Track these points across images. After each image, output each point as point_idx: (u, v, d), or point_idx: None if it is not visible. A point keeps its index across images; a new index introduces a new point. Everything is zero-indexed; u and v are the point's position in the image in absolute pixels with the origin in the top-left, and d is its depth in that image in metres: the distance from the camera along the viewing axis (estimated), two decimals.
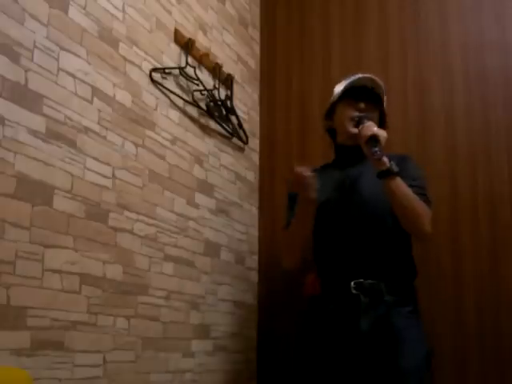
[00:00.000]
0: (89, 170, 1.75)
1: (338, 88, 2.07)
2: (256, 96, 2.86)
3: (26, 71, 1.56)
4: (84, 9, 1.79)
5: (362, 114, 1.96)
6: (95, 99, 1.80)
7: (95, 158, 1.78)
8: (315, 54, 2.81)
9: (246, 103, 2.74)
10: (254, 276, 2.68)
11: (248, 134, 2.67)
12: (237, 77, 2.65)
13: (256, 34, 2.92)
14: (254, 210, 2.73)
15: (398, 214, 1.88)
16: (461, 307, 2.34)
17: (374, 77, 2.04)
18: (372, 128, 1.87)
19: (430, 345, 1.94)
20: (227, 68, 2.56)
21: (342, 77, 2.63)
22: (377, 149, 1.82)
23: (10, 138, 1.49)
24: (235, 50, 2.68)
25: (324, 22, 2.82)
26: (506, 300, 2.29)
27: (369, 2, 2.75)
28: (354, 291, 1.90)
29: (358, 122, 1.95)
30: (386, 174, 1.83)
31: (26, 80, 1.56)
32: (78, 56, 1.75)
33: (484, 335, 2.30)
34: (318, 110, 2.75)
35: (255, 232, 2.72)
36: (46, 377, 1.54)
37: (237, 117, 2.57)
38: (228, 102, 2.49)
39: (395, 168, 1.83)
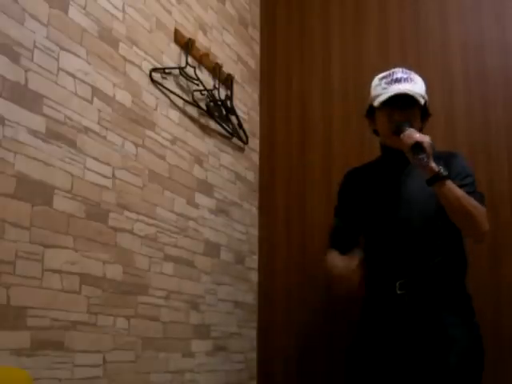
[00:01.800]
0: (89, 170, 1.75)
1: (376, 89, 1.99)
2: (256, 96, 2.86)
3: (25, 71, 1.56)
4: (84, 9, 1.79)
5: (400, 122, 1.91)
6: (95, 99, 1.80)
7: (95, 158, 1.78)
8: (315, 54, 2.81)
9: (246, 103, 2.74)
10: (254, 276, 2.68)
11: (248, 133, 2.67)
12: (237, 77, 2.65)
13: (256, 34, 2.92)
14: (254, 210, 2.73)
15: (453, 218, 1.85)
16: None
17: (413, 77, 1.98)
18: (414, 135, 1.81)
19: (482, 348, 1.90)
20: (227, 68, 2.56)
21: (344, 74, 2.65)
22: (423, 156, 1.77)
23: (9, 138, 1.49)
24: (235, 49, 2.68)
25: (324, 22, 2.82)
26: (506, 300, 2.29)
27: (369, 2, 2.75)
28: (398, 291, 1.89)
29: (397, 129, 1.90)
30: (436, 180, 1.80)
31: (26, 80, 1.56)
32: (78, 56, 1.75)
33: (484, 335, 2.29)
34: (318, 110, 2.76)
35: (255, 232, 2.72)
36: (46, 377, 1.53)
37: (237, 117, 2.57)
38: (228, 102, 2.50)
39: (444, 172, 1.79)
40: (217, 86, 2.45)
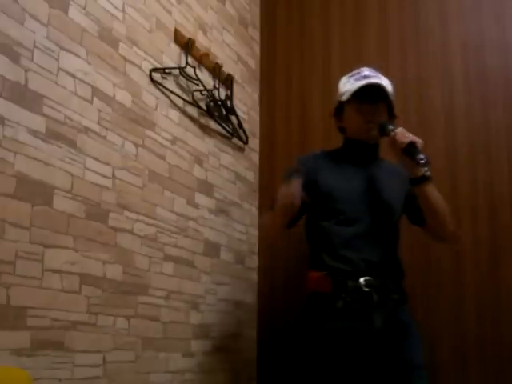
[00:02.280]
0: (89, 170, 1.75)
1: (345, 85, 2.01)
2: (256, 96, 2.86)
3: (26, 71, 1.56)
4: (84, 9, 1.79)
5: (383, 121, 1.93)
6: (95, 99, 1.80)
7: (95, 158, 1.78)
8: (315, 54, 2.81)
9: (246, 103, 2.74)
10: (254, 276, 2.68)
11: (248, 133, 2.67)
12: (237, 77, 2.65)
13: (256, 34, 2.92)
14: (254, 210, 2.73)
15: (430, 218, 1.93)
16: (461, 307, 2.34)
17: (380, 76, 2.00)
18: (407, 134, 1.83)
19: None
20: (227, 68, 2.56)
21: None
22: (422, 156, 1.78)
23: (10, 138, 1.49)
24: (235, 49, 2.68)
25: (324, 22, 2.82)
26: (506, 300, 2.29)
27: (369, 2, 2.75)
28: (365, 288, 1.89)
29: (381, 129, 1.91)
30: (422, 180, 1.84)
31: (26, 80, 1.56)
32: (78, 56, 1.75)
33: (484, 336, 2.30)
34: (318, 110, 2.76)
35: (255, 232, 2.72)
36: (46, 377, 1.54)
37: (237, 117, 2.57)
38: (228, 102, 2.50)
39: (428, 173, 1.84)
40: (217, 85, 2.45)
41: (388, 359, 1.86)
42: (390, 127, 1.88)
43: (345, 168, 2.02)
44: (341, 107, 2.03)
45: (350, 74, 2.03)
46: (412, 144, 1.80)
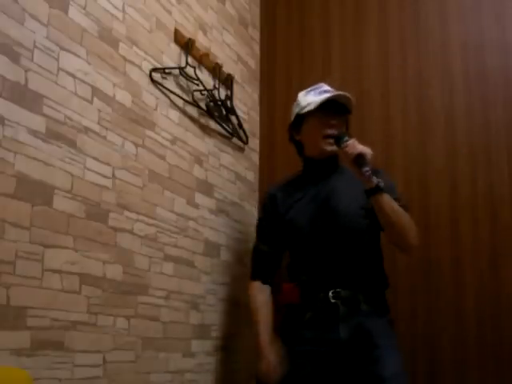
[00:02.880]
0: (89, 170, 1.75)
1: (306, 98, 2.05)
2: (256, 96, 2.86)
3: (25, 71, 1.56)
4: (84, 9, 1.79)
5: (339, 132, 1.96)
6: (95, 99, 1.80)
7: (95, 158, 1.78)
8: (315, 54, 2.81)
9: (246, 103, 2.74)
10: None
11: (248, 134, 2.67)
12: (237, 77, 2.65)
13: (256, 34, 2.92)
14: (254, 210, 2.73)
15: (386, 229, 1.91)
16: (461, 308, 2.34)
17: (337, 92, 2.03)
18: (357, 146, 1.86)
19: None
20: (227, 68, 2.56)
21: (344, 74, 2.65)
22: (367, 168, 1.83)
23: (9, 138, 1.49)
24: (235, 49, 2.68)
25: (324, 22, 2.81)
26: (506, 300, 2.29)
27: (369, 2, 2.75)
28: (332, 300, 1.92)
29: (337, 140, 1.94)
30: (375, 191, 1.84)
31: (26, 80, 1.56)
32: (78, 56, 1.75)
33: (484, 335, 2.29)
34: None
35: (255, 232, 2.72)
36: (46, 377, 1.53)
37: (237, 117, 2.57)
38: (228, 102, 2.49)
39: (382, 184, 1.84)
40: (217, 85, 2.44)
41: (357, 371, 1.85)
42: (345, 139, 1.90)
43: (305, 192, 2.06)
44: (299, 121, 2.07)
45: (309, 89, 2.07)
46: (360, 156, 1.83)
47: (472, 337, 2.31)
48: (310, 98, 2.03)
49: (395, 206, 1.87)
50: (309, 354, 1.92)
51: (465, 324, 2.33)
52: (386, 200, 1.85)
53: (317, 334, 1.92)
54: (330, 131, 1.98)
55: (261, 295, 2.10)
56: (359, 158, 1.84)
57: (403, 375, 1.87)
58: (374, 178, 1.84)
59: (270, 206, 2.15)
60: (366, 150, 1.85)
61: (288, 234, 2.09)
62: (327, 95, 1.99)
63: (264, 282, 2.13)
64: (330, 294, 1.92)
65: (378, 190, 1.84)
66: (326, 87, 2.06)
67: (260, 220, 2.20)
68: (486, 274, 2.33)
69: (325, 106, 1.99)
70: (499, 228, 2.34)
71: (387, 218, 1.87)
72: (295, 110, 2.10)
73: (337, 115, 2.00)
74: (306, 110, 2.03)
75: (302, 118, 2.06)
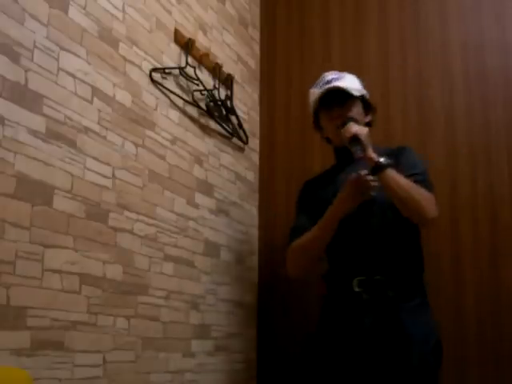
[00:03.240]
0: (89, 170, 1.75)
1: (313, 95, 2.07)
2: (256, 96, 2.86)
3: (25, 71, 1.56)
4: (84, 9, 1.79)
5: (343, 121, 1.95)
6: (95, 99, 1.80)
7: (95, 158, 1.78)
8: (315, 54, 2.81)
9: (246, 103, 2.74)
10: (254, 276, 2.68)
11: (248, 134, 2.67)
12: (237, 77, 2.65)
13: (256, 34, 2.92)
14: (254, 210, 2.73)
15: (397, 205, 1.87)
16: (461, 307, 2.34)
17: (343, 75, 2.04)
18: (351, 129, 1.88)
19: (439, 339, 1.91)
20: (227, 68, 2.56)
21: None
22: (357, 147, 1.84)
23: (10, 138, 1.49)
24: (235, 50, 2.68)
25: (324, 22, 2.82)
26: (506, 300, 2.29)
27: (369, 2, 2.75)
28: (356, 289, 1.91)
29: (342, 126, 1.94)
30: (377, 169, 1.84)
31: (26, 80, 1.56)
32: (78, 56, 1.75)
33: (484, 335, 2.30)
34: None
35: (255, 232, 2.72)
36: (46, 377, 1.53)
37: (237, 117, 2.57)
38: (228, 102, 2.49)
39: (385, 161, 1.83)
40: (217, 85, 2.45)
41: (382, 359, 1.84)
42: (350, 124, 1.91)
43: (335, 179, 2.05)
44: (317, 118, 2.10)
45: (315, 84, 2.08)
46: (353, 138, 1.85)
47: (472, 335, 2.31)
48: (315, 95, 2.05)
49: (402, 180, 1.84)
50: (336, 343, 1.91)
51: (465, 322, 2.33)
52: (391, 176, 1.83)
53: (342, 323, 1.92)
54: (337, 122, 1.98)
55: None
56: (353, 140, 1.86)
57: (430, 365, 1.84)
58: (375, 155, 1.84)
59: (303, 193, 2.16)
60: (361, 130, 1.87)
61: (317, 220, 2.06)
62: (322, 89, 2.01)
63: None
64: (355, 282, 1.91)
65: (379, 167, 1.83)
66: (328, 76, 2.05)
67: (296, 206, 2.17)
68: (486, 273, 2.33)
69: (326, 99, 2.01)
70: (499, 227, 2.34)
71: (394, 193, 1.84)
72: (311, 110, 2.13)
73: (338, 105, 2.00)
74: (313, 108, 2.08)
75: (317, 115, 2.10)
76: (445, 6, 2.61)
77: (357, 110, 2.02)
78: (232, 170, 2.56)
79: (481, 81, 2.48)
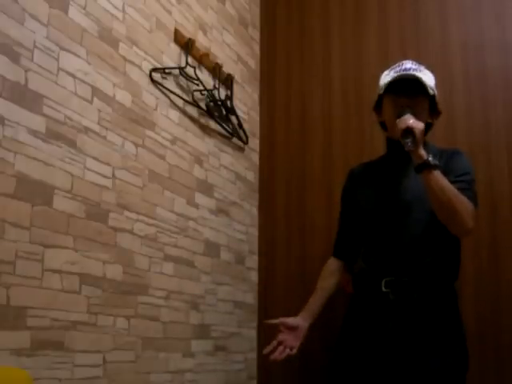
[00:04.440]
0: (89, 170, 1.75)
1: (385, 78, 1.98)
2: (256, 96, 2.86)
3: (26, 71, 1.56)
4: (84, 9, 1.79)
5: (400, 110, 1.87)
6: (95, 99, 1.80)
7: (95, 158, 1.78)
8: (315, 54, 2.81)
9: (246, 103, 2.74)
10: (254, 276, 2.68)
11: (248, 134, 2.67)
12: (237, 77, 2.65)
13: (256, 34, 2.92)
14: (254, 210, 2.73)
15: (435, 208, 1.81)
16: (461, 306, 2.34)
17: (422, 69, 1.96)
18: (407, 121, 1.79)
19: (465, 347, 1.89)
20: (227, 68, 2.56)
21: (344, 74, 2.65)
22: (408, 140, 1.76)
23: (10, 138, 1.49)
24: (235, 49, 2.68)
25: (324, 22, 2.82)
26: (506, 299, 2.29)
27: (369, 2, 2.75)
28: (384, 289, 1.89)
29: (399, 115, 1.86)
30: (423, 167, 1.77)
31: (26, 80, 1.56)
32: (78, 56, 1.75)
33: (484, 334, 2.29)
34: (318, 110, 2.76)
35: (255, 232, 2.72)
36: (46, 377, 1.54)
37: (237, 117, 2.57)
38: (228, 102, 2.49)
39: (433, 161, 1.76)
40: (217, 85, 2.45)
41: (404, 361, 1.82)
42: (405, 113, 1.84)
43: (381, 173, 2.02)
44: (380, 101, 2.01)
45: (392, 67, 1.99)
46: (407, 130, 1.78)
47: (472, 335, 2.29)
48: (387, 78, 1.95)
49: (446, 184, 1.77)
50: (359, 341, 1.90)
51: (464, 322, 2.32)
52: (435, 177, 1.76)
53: (367, 322, 1.90)
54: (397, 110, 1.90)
55: (325, 267, 2.12)
56: (405, 132, 1.78)
57: (453, 371, 1.82)
58: (424, 153, 1.77)
59: (347, 183, 2.13)
60: (416, 124, 1.78)
61: (357, 216, 2.06)
62: (397, 74, 1.92)
63: (335, 256, 2.12)
64: (383, 282, 1.89)
65: (425, 165, 1.76)
66: (408, 65, 1.95)
67: (341, 201, 2.16)
68: (486, 272, 2.33)
69: (396, 85, 1.91)
70: (499, 227, 2.34)
71: (435, 195, 1.78)
72: (377, 91, 2.04)
73: (407, 96, 1.89)
74: (380, 91, 1.98)
75: (381, 98, 2.01)
76: (445, 6, 2.61)
77: (423, 107, 1.93)
78: (232, 170, 2.56)
79: (481, 81, 2.48)
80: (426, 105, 1.95)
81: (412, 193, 1.92)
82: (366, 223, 2.02)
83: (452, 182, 1.81)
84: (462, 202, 1.79)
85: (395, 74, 1.93)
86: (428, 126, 1.99)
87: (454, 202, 1.77)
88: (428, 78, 1.95)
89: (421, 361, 1.80)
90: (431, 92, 1.93)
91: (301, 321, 2.02)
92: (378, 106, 2.04)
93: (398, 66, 1.97)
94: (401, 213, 1.92)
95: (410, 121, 1.80)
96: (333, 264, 2.11)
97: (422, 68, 1.97)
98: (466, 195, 1.82)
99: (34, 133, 1.56)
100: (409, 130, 1.78)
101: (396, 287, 1.88)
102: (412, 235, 1.90)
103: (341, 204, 2.15)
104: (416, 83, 1.89)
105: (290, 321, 2.02)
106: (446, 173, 1.82)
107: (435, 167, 1.77)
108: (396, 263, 1.90)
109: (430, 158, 1.77)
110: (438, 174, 1.77)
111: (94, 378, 1.69)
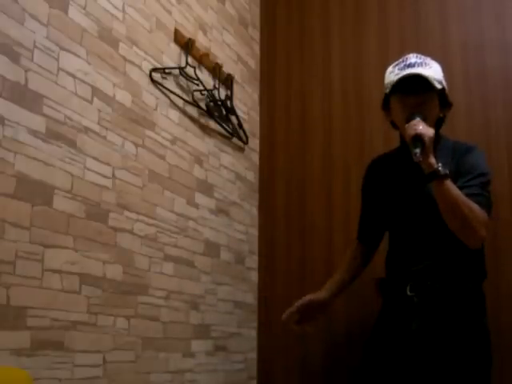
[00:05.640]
0: (89, 170, 1.75)
1: (389, 76, 1.92)
2: (256, 96, 2.86)
3: (25, 71, 1.56)
4: (84, 9, 1.79)
5: (410, 113, 1.81)
6: (95, 99, 1.80)
7: (95, 158, 1.78)
8: (315, 54, 2.81)
9: (246, 103, 2.74)
10: (254, 276, 2.68)
11: (248, 134, 2.67)
12: (237, 77, 2.65)
13: (256, 34, 2.92)
14: (254, 210, 2.73)
15: (445, 219, 1.76)
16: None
17: (427, 62, 1.89)
18: (416, 127, 1.73)
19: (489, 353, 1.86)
20: (227, 68, 2.56)
21: (344, 74, 2.64)
22: (417, 149, 1.68)
23: (10, 138, 1.49)
24: (235, 49, 2.68)
25: (324, 22, 2.82)
26: (506, 299, 2.29)
27: (369, 2, 2.75)
28: (409, 293, 1.87)
29: (408, 120, 1.80)
30: (433, 177, 1.71)
31: (26, 80, 1.56)
32: (78, 56, 1.75)
33: None
34: (318, 110, 2.76)
35: (255, 232, 2.72)
36: (46, 377, 1.54)
37: (237, 117, 2.57)
38: (228, 102, 2.50)
39: (443, 170, 1.70)
40: (217, 85, 2.45)
41: (426, 364, 1.80)
42: (417, 120, 1.77)
43: (398, 174, 1.98)
44: (387, 100, 1.95)
45: (396, 63, 1.92)
46: (416, 137, 1.71)
47: None
48: (392, 76, 1.89)
49: (457, 194, 1.71)
50: (385, 344, 1.89)
51: None
52: (446, 187, 1.70)
53: (392, 325, 1.89)
54: (413, 110, 1.82)
55: (348, 252, 2.14)
56: (415, 140, 1.71)
57: (476, 376, 1.79)
58: (434, 161, 1.70)
59: (367, 179, 2.10)
60: (426, 130, 1.71)
61: (379, 209, 2.04)
62: (403, 73, 1.84)
63: (359, 240, 2.13)
64: (408, 286, 1.87)
65: (435, 175, 1.70)
66: (413, 59, 1.88)
67: (362, 186, 2.13)
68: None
69: (403, 83, 1.84)
70: (499, 226, 2.34)
71: (444, 205, 1.73)
72: (383, 91, 1.97)
73: (414, 94, 1.83)
74: (387, 90, 1.92)
75: (387, 97, 1.93)
76: (445, 6, 2.61)
77: (433, 103, 1.86)
78: (232, 170, 2.56)
79: (481, 81, 2.48)
80: (435, 100, 1.87)
81: (429, 193, 1.82)
82: (389, 221, 2.01)
83: (464, 185, 1.77)
84: (474, 212, 1.73)
85: (400, 72, 1.86)
86: (440, 120, 1.93)
87: (466, 214, 1.72)
88: (434, 71, 1.87)
89: (441, 363, 1.78)
90: (439, 86, 1.84)
91: (323, 294, 2.03)
92: (385, 105, 1.97)
93: (403, 61, 1.90)
94: (423, 218, 1.88)
95: (420, 127, 1.73)
96: (352, 250, 2.13)
97: (428, 60, 1.89)
98: (478, 201, 1.76)
99: (34, 133, 1.56)
100: (417, 137, 1.71)
101: (420, 291, 1.86)
102: (434, 240, 1.87)
103: (362, 193, 2.12)
104: (422, 80, 1.83)
105: (314, 297, 2.02)
106: (458, 172, 1.79)
107: (445, 177, 1.70)
108: (420, 267, 1.87)
109: (440, 168, 1.70)
110: (448, 184, 1.71)
111: (93, 378, 1.69)
